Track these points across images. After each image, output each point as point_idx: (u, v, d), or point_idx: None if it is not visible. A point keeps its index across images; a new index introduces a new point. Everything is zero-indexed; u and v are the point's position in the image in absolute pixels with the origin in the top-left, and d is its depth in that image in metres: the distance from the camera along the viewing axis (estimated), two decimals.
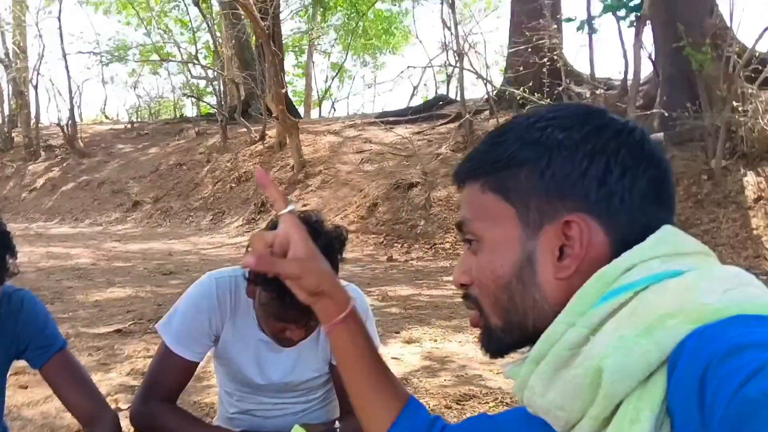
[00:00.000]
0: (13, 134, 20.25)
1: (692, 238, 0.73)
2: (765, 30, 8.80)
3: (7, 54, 20.16)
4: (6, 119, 20.69)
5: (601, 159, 0.71)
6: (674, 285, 0.64)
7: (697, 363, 0.55)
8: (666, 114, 8.97)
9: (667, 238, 0.70)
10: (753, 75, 8.38)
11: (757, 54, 8.71)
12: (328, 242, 1.50)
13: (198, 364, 1.78)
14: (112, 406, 1.90)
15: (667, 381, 0.59)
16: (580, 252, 0.71)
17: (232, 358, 1.79)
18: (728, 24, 9.18)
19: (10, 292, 1.73)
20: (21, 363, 1.78)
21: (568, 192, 0.72)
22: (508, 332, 0.77)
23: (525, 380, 0.72)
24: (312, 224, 1.53)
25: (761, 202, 7.75)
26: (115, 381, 3.70)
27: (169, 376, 1.74)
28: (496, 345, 0.79)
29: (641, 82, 10.19)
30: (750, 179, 8.09)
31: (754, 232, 7.45)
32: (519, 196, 0.74)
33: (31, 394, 3.42)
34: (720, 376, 0.53)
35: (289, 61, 27.85)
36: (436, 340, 4.61)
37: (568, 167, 0.72)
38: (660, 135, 9.02)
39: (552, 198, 0.72)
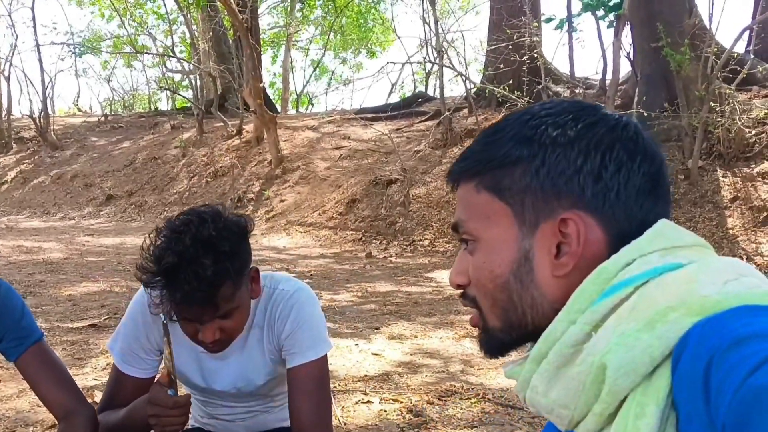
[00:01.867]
0: None
1: (688, 231, 0.73)
2: (743, 31, 8.91)
3: None
4: None
5: (596, 155, 0.71)
6: (674, 278, 0.64)
7: (700, 355, 0.55)
8: (644, 114, 9.02)
9: (664, 231, 0.70)
10: (730, 76, 8.47)
11: (735, 55, 8.81)
12: (216, 231, 1.44)
13: (152, 378, 1.73)
14: (88, 400, 1.84)
15: (672, 375, 0.59)
16: (577, 249, 0.71)
17: (178, 370, 1.74)
18: (707, 25, 9.27)
19: None
20: None
21: (564, 189, 0.72)
22: (507, 332, 0.76)
23: (526, 380, 0.71)
24: (203, 215, 1.47)
25: (737, 202, 7.83)
26: (90, 375, 3.62)
27: (123, 394, 1.71)
28: (495, 345, 0.79)
29: (620, 81, 10.26)
30: (726, 179, 8.18)
31: (730, 231, 7.53)
32: (514, 195, 0.74)
33: (4, 389, 3.32)
34: (724, 368, 0.53)
35: (267, 58, 27.69)
36: (416, 336, 4.58)
37: (563, 164, 0.72)
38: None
39: (547, 195, 0.72)
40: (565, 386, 0.66)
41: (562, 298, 0.70)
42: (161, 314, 1.55)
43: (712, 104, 8.20)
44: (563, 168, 0.72)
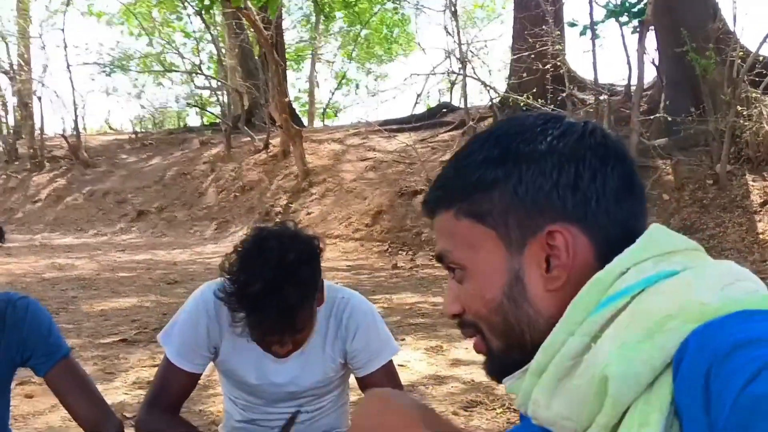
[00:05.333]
0: (17, 146, 20.31)
1: (680, 235, 0.72)
2: None
3: (11, 66, 20.23)
4: (11, 131, 20.75)
5: (570, 166, 0.71)
6: (670, 286, 0.64)
7: (700, 361, 0.55)
8: (670, 119, 8.96)
9: (656, 237, 0.70)
10: (757, 79, 8.37)
11: (761, 58, 8.71)
12: (297, 257, 1.49)
13: (200, 374, 1.80)
14: (117, 415, 1.89)
15: (673, 382, 0.58)
16: (568, 261, 0.70)
17: (233, 369, 1.79)
18: (731, 28, 9.17)
19: (15, 299, 1.72)
20: (26, 373, 1.77)
21: (545, 204, 0.71)
22: (509, 353, 0.75)
23: (527, 393, 0.71)
24: (282, 239, 1.52)
25: (767, 206, 7.72)
26: (120, 390, 3.69)
27: (172, 387, 1.75)
28: (499, 367, 0.77)
29: (645, 87, 10.17)
30: (756, 184, 8.07)
31: (761, 236, 7.42)
32: (496, 218, 0.73)
33: (37, 404, 3.41)
34: (724, 374, 0.53)
35: (293, 72, 27.94)
36: (442, 347, 4.59)
37: (540, 180, 0.71)
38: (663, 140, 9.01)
39: (530, 213, 0.72)
40: (567, 398, 0.66)
41: (557, 313, 0.70)
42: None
43: (739, 108, 8.11)
44: (541, 183, 0.71)
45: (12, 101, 20.90)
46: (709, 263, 0.68)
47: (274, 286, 1.44)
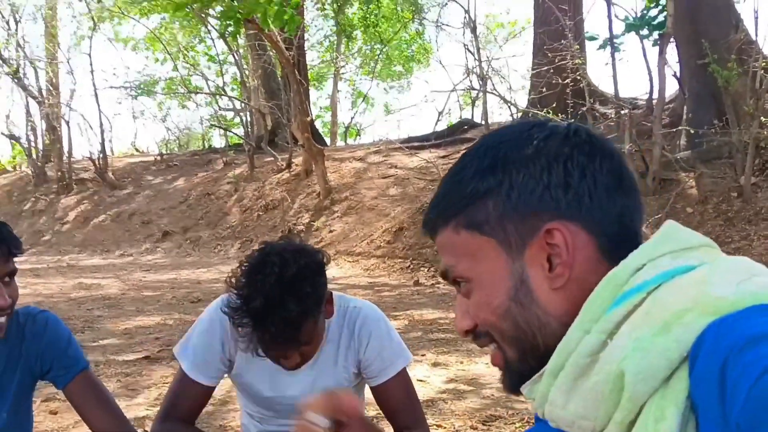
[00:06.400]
0: (45, 169, 20.67)
1: (695, 232, 0.72)
2: None
3: (40, 90, 20.65)
4: (39, 154, 21.13)
5: (558, 166, 0.73)
6: (687, 281, 0.64)
7: (716, 355, 0.55)
8: (693, 131, 8.88)
9: (672, 233, 0.71)
10: None
11: None
12: (298, 271, 1.52)
13: (214, 387, 1.82)
14: (139, 430, 1.92)
15: (689, 376, 0.58)
16: (569, 257, 0.71)
17: (247, 381, 1.82)
18: (753, 38, 9.10)
19: (35, 313, 1.77)
20: (51, 390, 1.80)
21: (539, 206, 0.72)
22: (524, 360, 0.76)
23: (544, 394, 0.71)
24: (284, 253, 1.54)
25: None
26: (143, 406, 3.73)
27: (187, 400, 1.78)
28: (517, 378, 0.77)
29: (667, 100, 10.11)
30: None
31: None
32: (493, 226, 0.74)
33: (61, 420, 3.45)
34: (740, 368, 0.53)
35: (315, 92, 28.14)
36: (462, 363, 4.58)
37: (531, 183, 0.73)
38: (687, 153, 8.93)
39: (526, 216, 0.73)
40: (583, 397, 0.66)
41: (566, 312, 0.70)
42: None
43: (763, 119, 8.02)
44: (532, 186, 0.73)
45: (41, 125, 21.28)
46: (725, 259, 0.68)
47: (276, 301, 1.47)
